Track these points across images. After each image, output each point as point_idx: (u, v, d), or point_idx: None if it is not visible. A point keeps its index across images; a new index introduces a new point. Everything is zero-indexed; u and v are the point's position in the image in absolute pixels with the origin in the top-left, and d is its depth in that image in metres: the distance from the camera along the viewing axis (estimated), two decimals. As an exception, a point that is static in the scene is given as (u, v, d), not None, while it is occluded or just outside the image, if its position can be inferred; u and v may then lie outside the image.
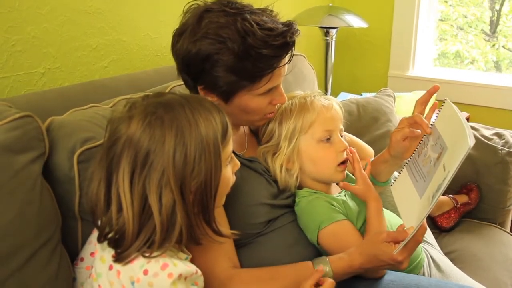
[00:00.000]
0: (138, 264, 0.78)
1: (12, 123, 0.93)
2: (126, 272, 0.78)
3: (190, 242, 0.84)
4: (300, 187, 1.15)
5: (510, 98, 2.35)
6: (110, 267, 0.80)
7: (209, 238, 0.86)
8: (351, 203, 1.13)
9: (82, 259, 1.01)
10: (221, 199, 0.90)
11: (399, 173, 1.12)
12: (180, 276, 0.78)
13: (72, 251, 1.03)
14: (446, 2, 2.59)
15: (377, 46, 2.60)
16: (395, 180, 1.13)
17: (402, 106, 2.05)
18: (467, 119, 2.29)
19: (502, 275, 1.38)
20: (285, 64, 1.04)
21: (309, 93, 1.17)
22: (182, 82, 1.12)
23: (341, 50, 2.52)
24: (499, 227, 1.63)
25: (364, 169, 1.12)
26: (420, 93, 1.13)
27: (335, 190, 1.18)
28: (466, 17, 2.58)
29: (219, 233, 0.86)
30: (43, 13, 1.30)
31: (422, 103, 1.07)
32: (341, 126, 1.14)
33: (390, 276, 1.07)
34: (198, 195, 0.81)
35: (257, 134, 1.22)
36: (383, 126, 1.71)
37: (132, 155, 0.78)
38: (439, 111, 1.02)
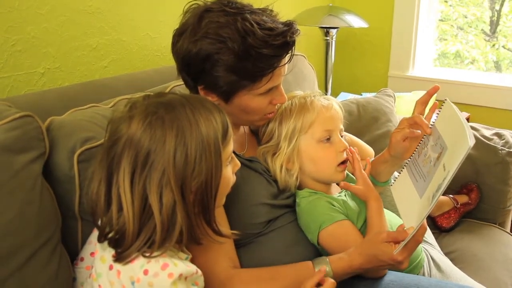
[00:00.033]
0: (139, 264, 0.78)
1: (12, 123, 0.93)
2: (126, 272, 0.78)
3: (191, 242, 0.84)
4: (300, 187, 1.15)
5: (510, 98, 2.35)
6: (110, 267, 0.80)
7: (209, 238, 0.86)
8: (351, 203, 1.13)
9: (82, 259, 1.01)
10: (221, 199, 0.90)
11: (399, 173, 1.12)
12: (180, 276, 0.78)
13: (72, 251, 1.03)
14: (446, 2, 2.59)
15: (377, 46, 2.60)
16: (395, 180, 1.14)
17: (402, 106, 2.05)
18: (467, 119, 2.29)
19: (502, 275, 1.38)
20: (285, 64, 1.05)
21: (309, 93, 1.17)
22: (182, 82, 1.12)
23: (341, 50, 2.52)
24: (499, 227, 1.63)
25: (363, 169, 1.12)
26: (420, 93, 1.13)
27: (335, 190, 1.18)
28: (466, 17, 2.58)
29: (219, 233, 0.87)
30: (43, 13, 1.30)
31: (422, 103, 1.07)
32: (341, 126, 1.14)
33: (390, 276, 1.07)
34: (198, 195, 0.81)
35: (257, 134, 1.22)
36: (383, 126, 1.70)
37: (132, 155, 0.78)
38: (439, 111, 1.02)
